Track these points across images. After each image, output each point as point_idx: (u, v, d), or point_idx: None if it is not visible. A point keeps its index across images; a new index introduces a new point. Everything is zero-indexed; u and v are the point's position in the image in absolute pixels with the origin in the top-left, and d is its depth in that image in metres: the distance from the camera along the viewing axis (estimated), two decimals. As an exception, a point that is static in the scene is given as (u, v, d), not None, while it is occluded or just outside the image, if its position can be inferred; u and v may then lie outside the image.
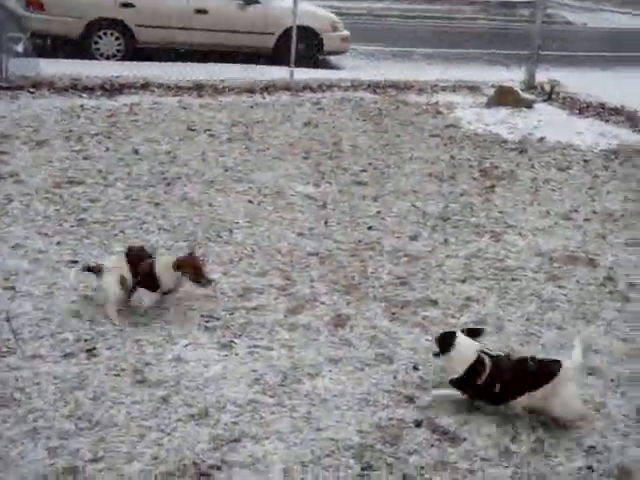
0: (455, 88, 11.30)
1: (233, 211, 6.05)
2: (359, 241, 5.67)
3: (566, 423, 3.61)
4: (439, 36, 17.58)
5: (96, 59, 11.05)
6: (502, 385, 3.58)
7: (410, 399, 3.75)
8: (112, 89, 9.56)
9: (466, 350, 3.63)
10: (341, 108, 9.64)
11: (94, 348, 4.01)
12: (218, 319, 4.40)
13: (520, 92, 10.56)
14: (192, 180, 6.66)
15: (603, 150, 8.61)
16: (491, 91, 10.69)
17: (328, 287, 4.89)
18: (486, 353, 3.65)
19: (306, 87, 10.52)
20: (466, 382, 3.62)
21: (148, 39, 11.34)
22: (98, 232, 5.47)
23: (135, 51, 11.29)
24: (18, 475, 3.11)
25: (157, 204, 6.07)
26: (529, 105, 10.31)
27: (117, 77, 9.91)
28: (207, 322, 4.36)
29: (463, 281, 5.12)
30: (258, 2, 11.92)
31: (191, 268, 4.32)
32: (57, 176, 6.47)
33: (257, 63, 11.41)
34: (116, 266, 4.33)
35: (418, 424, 3.57)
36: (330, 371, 3.96)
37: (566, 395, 3.56)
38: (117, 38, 11.22)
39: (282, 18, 11.45)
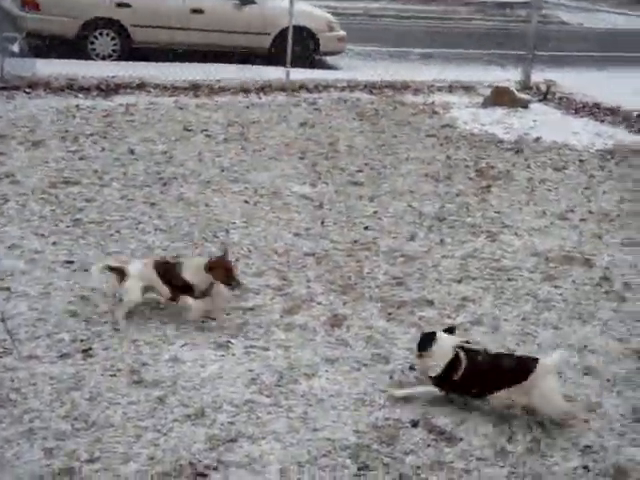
0: (451, 88, 11.31)
1: (229, 211, 6.05)
2: (355, 241, 5.67)
3: (560, 421, 3.62)
4: (435, 36, 17.60)
5: (92, 59, 11.03)
6: (478, 380, 3.63)
7: (407, 399, 3.75)
8: (108, 89, 9.55)
9: (445, 347, 3.67)
10: (337, 108, 9.65)
11: (90, 348, 4.00)
12: (214, 319, 4.40)
13: (516, 92, 10.58)
14: (188, 180, 6.65)
15: (599, 150, 8.63)
16: (487, 91, 10.70)
17: (324, 287, 4.89)
18: (464, 348, 3.67)
19: (302, 87, 10.52)
20: (444, 378, 3.66)
21: (144, 39, 11.33)
22: (94, 232, 5.46)
23: (131, 51, 11.28)
24: (14, 476, 3.10)
25: (153, 204, 6.07)
26: (525, 105, 10.32)
27: (113, 77, 9.90)
28: (203, 322, 4.36)
29: (459, 281, 5.13)
30: (254, 2, 11.92)
31: (222, 270, 4.27)
32: (53, 176, 6.47)
33: (253, 63, 11.41)
34: (144, 274, 4.29)
35: (414, 424, 3.57)
36: (326, 371, 3.97)
37: (545, 392, 3.58)
38: (113, 38, 11.21)
39: (278, 18, 11.45)
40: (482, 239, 5.87)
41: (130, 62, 10.69)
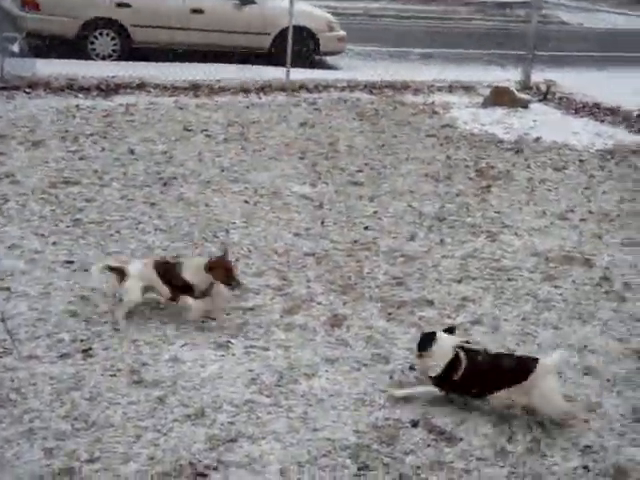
0: (451, 88, 11.31)
1: (229, 211, 6.05)
2: (355, 241, 5.67)
3: (560, 421, 3.62)
4: (435, 36, 17.60)
5: (92, 59, 11.04)
6: (478, 380, 3.64)
7: (406, 399, 3.75)
8: (108, 89, 9.55)
9: (445, 347, 3.67)
10: (337, 108, 9.65)
11: (90, 348, 4.00)
12: (214, 319, 4.40)
13: (516, 92, 10.58)
14: (188, 180, 6.65)
15: (599, 150, 8.63)
16: (487, 91, 10.70)
17: (324, 287, 4.89)
18: (464, 349, 3.68)
19: (302, 87, 10.52)
20: (444, 378, 3.66)
21: (144, 39, 11.33)
22: (94, 232, 5.46)
23: (131, 51, 11.28)
24: (14, 476, 3.10)
25: (153, 204, 6.07)
26: (525, 105, 10.32)
27: (113, 77, 9.90)
28: (203, 322, 4.36)
29: (459, 281, 5.13)
30: (254, 2, 11.92)
31: (222, 270, 4.27)
32: (53, 176, 6.47)
33: (253, 63, 11.41)
34: (144, 274, 4.29)
35: (414, 424, 3.57)
36: (327, 371, 3.96)
37: (545, 392, 3.58)
38: (113, 38, 11.21)
39: (278, 18, 11.46)
40: (482, 239, 5.87)
41: (130, 62, 10.70)
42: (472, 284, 5.10)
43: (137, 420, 3.47)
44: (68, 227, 5.52)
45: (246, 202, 6.28)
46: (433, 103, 10.30)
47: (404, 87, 11.10)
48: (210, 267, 4.25)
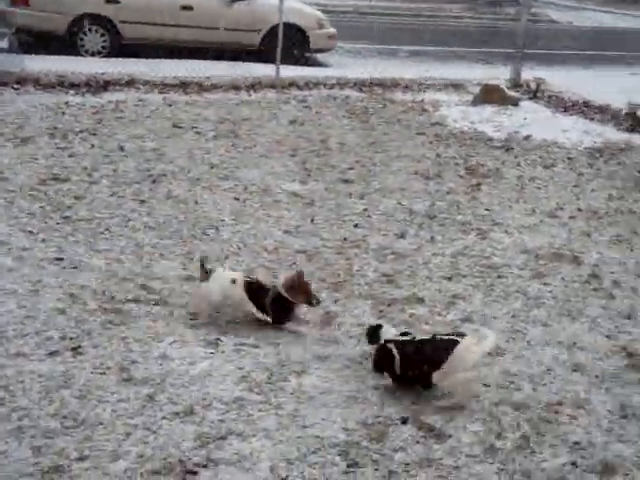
0: (441, 86, 11.33)
1: (219, 209, 6.04)
2: (345, 239, 5.67)
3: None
4: (425, 34, 17.63)
5: (81, 55, 11.00)
6: (413, 368, 3.70)
7: (397, 397, 3.76)
8: (97, 86, 9.52)
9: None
10: (327, 106, 9.64)
11: (79, 346, 3.99)
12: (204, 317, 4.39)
13: (506, 90, 10.60)
14: (178, 177, 6.64)
15: (588, 148, 8.66)
16: (477, 89, 10.72)
17: (315, 285, 4.86)
18: (394, 342, 3.74)
19: (292, 85, 10.51)
20: (384, 369, 3.78)
21: (133, 36, 11.30)
22: (83, 229, 5.44)
23: (120, 48, 11.24)
24: (2, 474, 3.09)
25: (143, 201, 6.05)
26: (515, 103, 10.35)
27: (102, 74, 9.87)
28: (193, 320, 4.35)
29: (449, 279, 5.14)
30: (244, -1, 11.90)
31: (301, 291, 4.25)
32: (42, 173, 6.44)
33: (243, 60, 11.39)
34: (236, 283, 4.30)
35: (404, 421, 3.58)
36: (317, 369, 3.96)
37: (462, 375, 3.61)
38: (102, 35, 11.18)
39: (268, 15, 11.44)
40: (472, 237, 5.89)
41: (120, 59, 10.66)
42: (462, 281, 5.11)
43: (126, 418, 3.46)
44: (57, 224, 5.49)
45: (236, 199, 6.27)
46: (423, 101, 10.32)
47: (394, 85, 11.11)
48: (288, 288, 4.22)
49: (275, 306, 4.29)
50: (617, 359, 4.28)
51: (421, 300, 4.79)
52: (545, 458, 3.41)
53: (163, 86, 9.82)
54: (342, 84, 10.85)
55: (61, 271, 4.79)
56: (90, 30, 11.09)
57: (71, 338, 4.06)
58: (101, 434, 3.34)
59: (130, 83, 9.76)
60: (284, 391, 3.75)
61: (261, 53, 11.80)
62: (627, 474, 3.35)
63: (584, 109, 10.56)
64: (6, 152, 6.88)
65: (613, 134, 9.34)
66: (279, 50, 10.38)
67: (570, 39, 19.19)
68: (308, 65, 12.14)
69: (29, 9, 10.84)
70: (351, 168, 7.29)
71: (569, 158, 8.23)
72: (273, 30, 11.06)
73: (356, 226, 5.93)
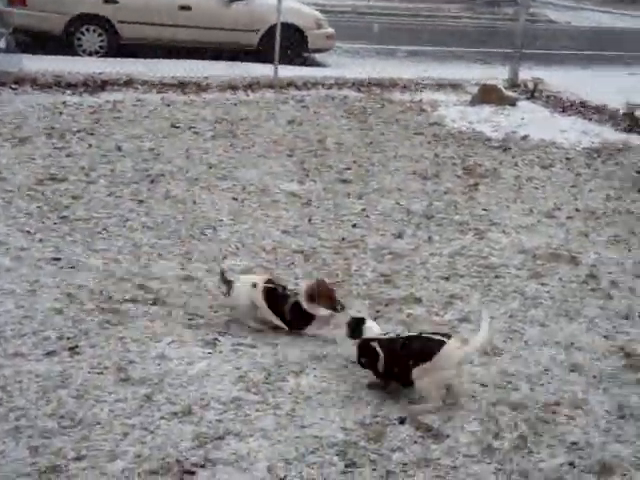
0: (439, 86, 11.33)
1: (217, 209, 6.03)
2: (343, 239, 5.67)
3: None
4: (423, 34, 17.64)
5: (79, 55, 10.99)
6: (399, 364, 3.70)
7: (394, 396, 3.76)
8: (95, 86, 9.51)
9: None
10: (325, 106, 9.64)
11: (77, 346, 3.98)
12: (202, 317, 4.39)
13: (504, 90, 10.61)
14: (176, 177, 6.63)
15: (585, 148, 8.67)
16: (475, 89, 10.73)
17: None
18: (378, 340, 3.76)
19: (290, 85, 10.51)
20: (368, 366, 3.80)
21: (131, 35, 11.29)
22: (81, 229, 5.44)
23: (118, 47, 11.24)
24: (0, 474, 3.09)
25: (140, 201, 6.05)
26: (512, 103, 10.36)
27: (100, 74, 9.86)
28: (191, 320, 4.35)
29: (447, 279, 5.14)
30: (242, -1, 11.90)
31: (325, 296, 4.20)
32: (39, 173, 6.43)
33: (241, 60, 11.39)
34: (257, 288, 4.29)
35: (402, 421, 3.58)
36: (314, 369, 3.96)
37: (434, 377, 3.60)
38: (100, 34, 11.17)
39: (266, 15, 11.44)
40: (470, 237, 5.89)
41: (117, 59, 10.67)
42: (460, 282, 5.11)
43: (124, 418, 3.46)
44: (55, 224, 5.49)
45: (234, 199, 6.27)
46: (421, 101, 10.32)
47: (392, 85, 11.12)
48: (311, 295, 4.19)
49: (294, 313, 4.26)
50: (615, 359, 4.29)
51: (419, 300, 4.79)
52: (543, 458, 3.41)
53: (161, 86, 9.81)
54: (340, 84, 10.85)
55: (59, 271, 4.78)
56: (88, 30, 11.08)
57: (68, 338, 4.05)
58: (98, 434, 3.34)
59: (128, 83, 9.75)
60: (282, 391, 3.75)
61: (259, 53, 11.79)
62: (625, 474, 3.35)
63: (582, 109, 10.57)
64: (4, 152, 6.87)
65: (611, 134, 9.34)
66: (277, 50, 10.37)
67: (568, 39, 19.21)
68: (306, 65, 12.14)
69: (26, 9, 10.83)
70: (349, 168, 7.29)
71: (567, 158, 8.24)
72: (271, 30, 11.05)
73: (354, 226, 5.93)
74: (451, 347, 3.60)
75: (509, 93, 10.66)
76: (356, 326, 3.90)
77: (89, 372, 3.77)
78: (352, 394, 3.77)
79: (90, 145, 7.28)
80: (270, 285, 4.33)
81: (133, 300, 4.50)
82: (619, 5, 26.87)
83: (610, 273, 5.41)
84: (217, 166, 7.01)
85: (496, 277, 5.22)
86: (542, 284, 5.16)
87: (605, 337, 4.53)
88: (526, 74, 11.78)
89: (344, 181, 6.92)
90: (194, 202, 6.12)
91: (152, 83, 9.87)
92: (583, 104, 10.80)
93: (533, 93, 11.14)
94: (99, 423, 3.41)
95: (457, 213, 6.36)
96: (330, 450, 3.36)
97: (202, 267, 5.00)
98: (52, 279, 4.66)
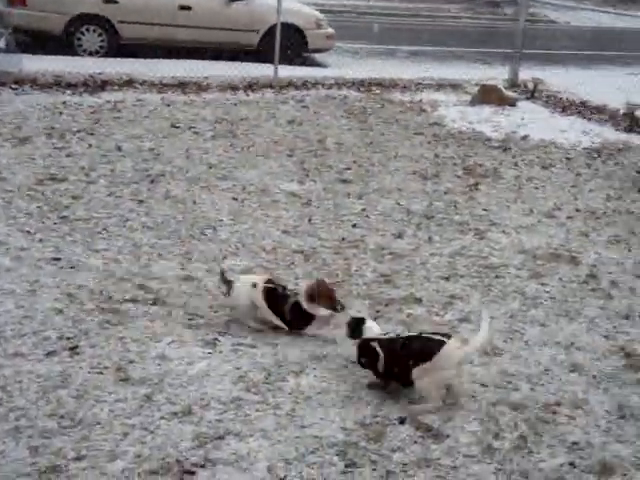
0: (439, 86, 11.33)
1: (217, 209, 6.03)
2: (343, 239, 5.67)
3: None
4: (423, 34, 17.64)
5: (79, 55, 10.99)
6: (397, 366, 3.70)
7: (394, 396, 3.76)
8: (95, 86, 9.51)
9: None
10: (325, 106, 9.64)
11: (77, 346, 3.98)
12: (202, 317, 4.39)
13: (504, 90, 10.62)
14: (176, 177, 6.63)
15: (586, 148, 8.67)
16: (475, 89, 10.73)
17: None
18: (378, 340, 3.76)
19: (290, 85, 10.51)
20: (368, 366, 3.80)
21: (131, 35, 11.28)
22: (81, 229, 5.44)
23: (118, 48, 11.23)
24: (0, 474, 3.09)
25: (141, 201, 6.05)
26: (512, 103, 10.36)
27: (100, 74, 9.86)
28: (191, 320, 4.35)
29: (447, 279, 5.14)
30: (242, -1, 11.90)
31: (325, 297, 4.19)
32: (39, 173, 6.43)
33: (241, 60, 11.38)
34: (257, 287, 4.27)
35: (402, 421, 3.58)
36: (314, 369, 3.96)
37: (434, 378, 3.60)
38: (100, 34, 11.16)
39: (266, 15, 11.43)
40: (470, 237, 5.89)
41: (117, 59, 10.65)
42: (460, 282, 5.11)
43: (124, 418, 3.46)
44: (55, 224, 5.49)
45: (234, 199, 6.26)
46: (421, 101, 10.32)
47: (392, 85, 11.12)
48: (311, 295, 4.17)
49: (294, 313, 4.26)
50: (615, 359, 4.29)
51: (419, 300, 4.79)
52: (543, 458, 3.41)
53: (161, 86, 9.82)
54: (340, 84, 10.85)
55: (59, 271, 4.78)
56: (88, 30, 11.07)
57: (68, 338, 4.05)
58: (98, 434, 3.34)
59: (128, 83, 9.75)
60: (282, 391, 3.75)
61: (259, 53, 11.79)
62: (625, 474, 3.35)
63: (582, 109, 10.57)
64: (4, 152, 6.87)
65: (611, 134, 9.35)
66: (277, 50, 10.37)
67: (568, 39, 19.21)
68: (306, 65, 12.14)
69: (26, 9, 10.82)
70: (349, 168, 7.29)
71: (567, 158, 8.24)
72: (271, 30, 11.04)
73: (354, 226, 5.93)
74: (451, 347, 3.60)
75: (509, 93, 10.66)
76: (356, 326, 3.90)
77: (89, 372, 3.77)
78: (352, 394, 3.77)
79: (90, 145, 7.28)
80: (270, 285, 4.33)
81: (133, 300, 4.50)
82: (619, 5, 26.88)
83: (610, 273, 5.41)
84: (217, 166, 7.01)
85: (496, 277, 5.21)
86: (542, 284, 5.16)
87: (605, 337, 4.53)
88: (526, 74, 11.77)
89: (344, 181, 6.92)
90: (194, 202, 6.11)
91: (152, 83, 9.87)
92: (583, 104, 10.81)
93: (533, 93, 11.14)
94: (99, 423, 3.41)
95: (457, 213, 6.36)
96: (330, 450, 3.36)
97: (202, 267, 5.00)
98: (52, 279, 4.66)
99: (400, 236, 5.79)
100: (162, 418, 3.48)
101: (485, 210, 6.47)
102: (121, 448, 3.26)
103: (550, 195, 7.00)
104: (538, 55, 14.20)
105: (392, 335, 3.89)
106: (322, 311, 4.23)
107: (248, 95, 9.90)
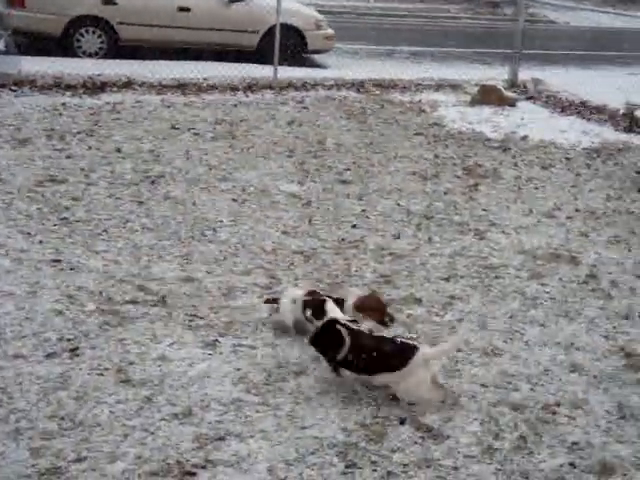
0: (439, 86, 11.33)
1: (217, 210, 6.03)
2: (343, 239, 5.67)
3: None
4: (423, 34, 17.65)
5: (78, 57, 10.98)
6: (361, 360, 3.69)
7: (394, 396, 3.76)
8: (94, 87, 9.51)
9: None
10: (325, 107, 9.65)
11: (77, 348, 3.98)
12: (202, 318, 4.39)
13: (503, 90, 10.62)
14: (176, 179, 6.63)
15: (585, 148, 8.67)
16: (474, 89, 10.73)
17: (312, 286, 4.87)
18: (345, 326, 3.73)
19: (290, 85, 10.52)
20: (331, 356, 3.76)
21: (131, 37, 11.28)
22: (81, 231, 5.44)
23: (118, 49, 11.23)
24: (0, 476, 3.08)
25: (140, 203, 6.05)
26: (512, 103, 10.36)
27: (99, 75, 9.86)
28: (191, 321, 4.35)
29: (447, 279, 5.14)
30: (242, 0, 11.89)
31: (375, 309, 4.08)
32: (39, 175, 6.43)
33: (241, 61, 11.38)
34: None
35: (402, 421, 3.58)
36: (314, 369, 3.96)
37: (414, 381, 3.62)
38: (99, 36, 11.16)
39: (266, 16, 11.43)
40: (470, 237, 5.89)
41: (117, 60, 10.64)
42: (460, 282, 5.11)
43: (124, 419, 3.46)
44: (55, 226, 5.49)
45: (234, 200, 6.27)
46: (421, 101, 10.32)
47: (392, 85, 11.12)
48: (360, 307, 4.06)
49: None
50: (615, 359, 4.29)
51: (419, 300, 4.79)
52: (543, 459, 3.42)
53: (161, 87, 9.82)
54: (340, 85, 10.85)
55: (59, 273, 4.78)
56: (87, 31, 11.07)
57: (69, 339, 4.05)
58: (99, 435, 3.34)
59: (127, 84, 9.75)
60: (282, 392, 3.75)
61: (259, 54, 11.79)
62: (625, 474, 3.35)
63: (582, 109, 10.57)
64: (3, 154, 6.87)
65: (611, 134, 9.35)
66: (277, 51, 10.37)
67: (568, 39, 19.22)
68: (306, 66, 12.13)
69: (25, 10, 10.82)
70: (349, 169, 7.29)
71: (567, 158, 8.24)
72: (271, 31, 11.04)
73: (354, 227, 5.93)
74: (424, 353, 3.63)
75: (509, 93, 10.67)
76: (318, 307, 3.84)
77: (89, 374, 3.77)
78: (352, 395, 3.77)
79: (90, 147, 7.28)
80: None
81: (133, 301, 4.50)
82: (619, 5, 26.88)
83: (610, 273, 5.41)
84: (217, 167, 7.01)
85: (496, 277, 5.22)
86: (542, 284, 5.16)
87: (605, 337, 4.53)
88: (526, 74, 11.78)
89: (344, 182, 6.92)
90: (194, 203, 6.12)
91: (151, 84, 9.87)
92: (583, 104, 10.81)
93: (533, 93, 11.13)
94: (99, 424, 3.41)
95: (457, 213, 6.36)
96: (330, 451, 3.36)
97: (202, 268, 5.00)
98: (52, 281, 4.66)
99: (400, 236, 5.80)
100: (162, 419, 3.48)
101: (485, 210, 6.47)
102: (121, 449, 3.27)
103: (550, 195, 7.00)
104: (538, 55, 14.21)
105: (361, 328, 3.85)
106: (366, 324, 4.05)
107: (248, 96, 9.90)
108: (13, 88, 9.06)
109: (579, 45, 17.99)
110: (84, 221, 5.61)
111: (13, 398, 3.54)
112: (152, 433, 3.38)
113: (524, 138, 8.87)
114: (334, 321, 3.78)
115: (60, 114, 8.29)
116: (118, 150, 7.24)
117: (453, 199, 6.69)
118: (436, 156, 7.91)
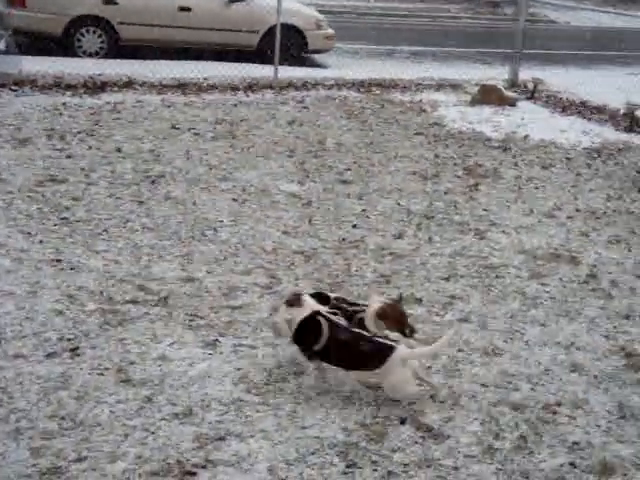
0: (439, 86, 11.34)
1: (217, 210, 6.03)
2: (343, 239, 5.67)
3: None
4: (423, 34, 17.65)
5: (79, 57, 10.99)
6: (338, 354, 3.69)
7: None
8: (95, 87, 9.51)
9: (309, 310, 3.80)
10: (325, 106, 9.65)
11: (77, 347, 3.99)
12: (202, 318, 4.39)
13: (504, 90, 10.62)
14: (176, 179, 6.63)
15: (586, 148, 8.67)
16: (475, 89, 10.73)
17: (313, 285, 4.88)
18: (325, 317, 3.74)
19: (290, 85, 10.52)
20: (306, 346, 3.77)
21: (131, 37, 11.29)
22: (81, 231, 5.44)
23: (118, 49, 11.23)
24: (0, 476, 3.09)
25: (141, 202, 6.05)
26: (513, 103, 10.36)
27: (100, 75, 9.86)
28: (191, 321, 4.35)
29: (447, 279, 5.14)
30: (242, 0, 11.89)
31: (395, 318, 3.97)
32: (40, 174, 6.43)
33: (241, 61, 11.38)
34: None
35: (403, 421, 3.58)
36: (315, 369, 3.95)
37: (396, 379, 3.61)
38: (100, 35, 11.16)
39: (266, 16, 11.43)
40: (470, 237, 5.89)
41: (117, 60, 10.65)
42: (460, 282, 5.11)
43: (125, 419, 3.46)
44: (55, 225, 5.49)
45: (234, 200, 6.27)
46: (421, 101, 10.32)
47: (392, 85, 11.12)
48: (382, 315, 3.97)
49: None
50: (615, 359, 4.29)
51: (419, 300, 4.79)
52: (543, 458, 3.42)
53: (161, 87, 9.82)
54: (340, 85, 10.85)
55: (59, 272, 4.79)
56: (88, 31, 11.08)
57: (69, 339, 4.05)
58: (99, 435, 3.34)
59: (128, 84, 9.75)
60: (283, 392, 3.75)
61: (259, 54, 11.79)
62: (626, 474, 3.35)
63: (582, 109, 10.58)
64: (4, 153, 6.87)
65: (611, 134, 9.35)
66: (277, 51, 10.38)
67: (568, 39, 19.22)
68: (306, 66, 12.14)
69: (26, 10, 10.83)
70: (349, 169, 7.29)
71: (567, 158, 8.24)
72: (271, 31, 11.04)
73: (354, 227, 5.93)
74: (401, 352, 3.62)
75: (509, 93, 10.67)
76: (294, 300, 3.85)
77: (90, 373, 3.78)
78: (353, 394, 3.77)
79: (90, 146, 7.28)
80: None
81: (134, 301, 4.50)
82: (619, 5, 26.89)
83: (610, 273, 5.41)
84: (217, 167, 7.01)
85: (496, 277, 5.22)
86: (542, 284, 5.16)
87: (606, 337, 4.53)
88: (526, 74, 11.78)
89: (344, 182, 6.92)
90: (194, 203, 6.12)
91: (152, 84, 9.87)
92: (583, 104, 10.81)
93: (533, 93, 11.14)
94: (100, 424, 3.41)
95: (457, 213, 6.36)
96: (331, 451, 3.36)
97: (203, 268, 5.00)
98: (52, 280, 4.66)
99: (400, 236, 5.80)
100: (163, 419, 3.48)
101: (485, 210, 6.47)
102: (122, 449, 3.27)
103: (550, 195, 7.00)
104: (538, 55, 14.21)
105: (344, 324, 3.85)
106: (388, 332, 3.98)
107: (248, 96, 9.90)
108: (13, 88, 9.06)
109: (579, 45, 17.99)
110: (84, 221, 5.61)
111: (13, 398, 3.55)
112: (152, 433, 3.38)
113: (524, 138, 8.87)
114: (316, 313, 3.78)
115: (60, 114, 8.29)
116: (118, 150, 7.24)
117: (453, 199, 6.69)
118: (436, 156, 7.91)
